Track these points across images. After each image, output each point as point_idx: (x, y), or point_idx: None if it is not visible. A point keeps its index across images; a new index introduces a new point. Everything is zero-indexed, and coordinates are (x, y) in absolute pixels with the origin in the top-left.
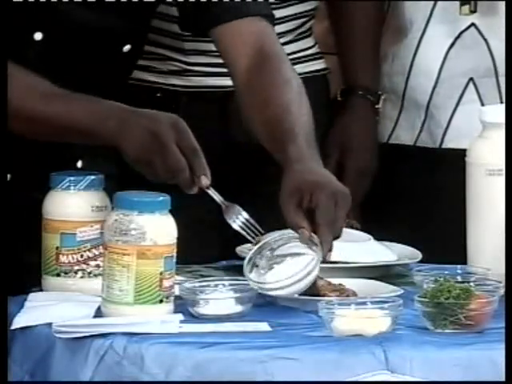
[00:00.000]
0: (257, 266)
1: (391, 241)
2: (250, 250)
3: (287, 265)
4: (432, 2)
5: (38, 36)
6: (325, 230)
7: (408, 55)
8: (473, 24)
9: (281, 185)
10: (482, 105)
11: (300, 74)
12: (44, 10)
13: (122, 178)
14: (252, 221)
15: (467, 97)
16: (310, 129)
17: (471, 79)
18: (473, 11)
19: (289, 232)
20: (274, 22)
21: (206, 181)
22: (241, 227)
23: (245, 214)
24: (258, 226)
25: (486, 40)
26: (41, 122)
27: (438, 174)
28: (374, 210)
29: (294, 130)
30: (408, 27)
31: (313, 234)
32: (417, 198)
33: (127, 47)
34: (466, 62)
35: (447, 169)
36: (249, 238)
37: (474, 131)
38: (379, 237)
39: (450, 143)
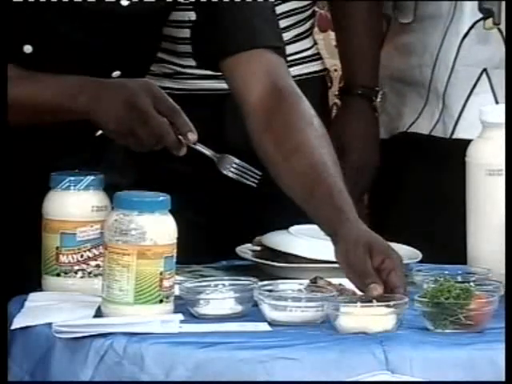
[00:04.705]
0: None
1: (391, 241)
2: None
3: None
4: None
5: (28, 49)
6: (403, 292)
7: (435, 46)
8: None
9: (343, 240)
10: (494, 96)
11: (298, 76)
12: (33, 23)
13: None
14: (246, 165)
15: (480, 87)
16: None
17: (485, 70)
18: (496, 24)
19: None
20: (286, 54)
21: (193, 136)
22: (237, 174)
23: (238, 161)
24: (253, 169)
25: (500, 31)
26: (14, 107)
27: (445, 169)
28: (377, 211)
29: (337, 184)
30: (437, 17)
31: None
32: (419, 197)
33: (116, 73)
34: (480, 52)
35: (453, 163)
36: (247, 182)
37: None
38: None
39: (461, 133)
